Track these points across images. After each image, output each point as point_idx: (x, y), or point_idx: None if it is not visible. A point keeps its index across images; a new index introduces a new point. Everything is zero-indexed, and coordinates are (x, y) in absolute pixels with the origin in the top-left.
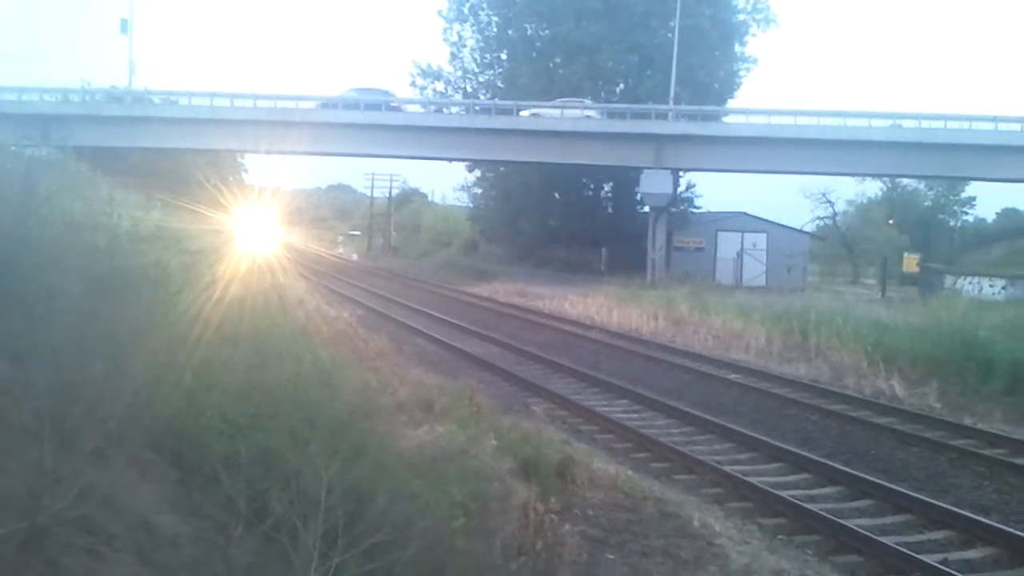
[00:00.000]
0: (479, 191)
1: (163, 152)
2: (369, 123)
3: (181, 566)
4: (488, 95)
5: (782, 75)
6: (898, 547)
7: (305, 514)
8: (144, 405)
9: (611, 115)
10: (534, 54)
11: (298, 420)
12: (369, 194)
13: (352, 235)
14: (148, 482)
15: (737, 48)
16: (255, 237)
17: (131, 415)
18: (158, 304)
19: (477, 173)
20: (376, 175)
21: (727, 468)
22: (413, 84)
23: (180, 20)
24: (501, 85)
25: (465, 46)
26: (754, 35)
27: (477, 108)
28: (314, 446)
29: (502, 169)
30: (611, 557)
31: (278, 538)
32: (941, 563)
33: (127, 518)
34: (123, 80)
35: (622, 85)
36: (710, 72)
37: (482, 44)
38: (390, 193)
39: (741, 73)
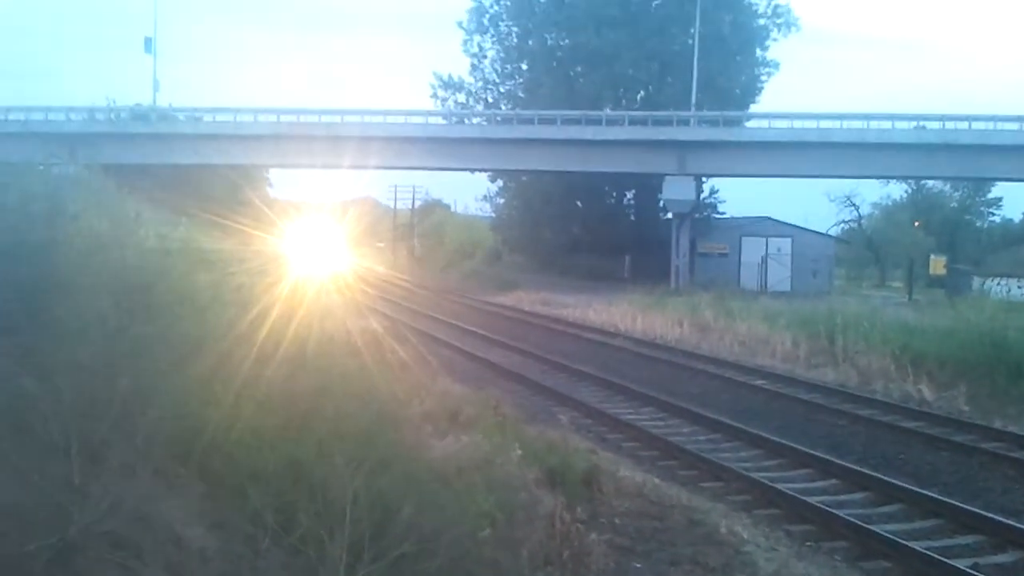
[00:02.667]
0: (501, 201)
1: (188, 168)
2: (392, 136)
3: None
4: (509, 105)
5: (804, 79)
6: (928, 552)
7: (331, 526)
8: (171, 419)
9: (632, 122)
10: (554, 63)
11: (325, 432)
12: (392, 206)
13: (377, 247)
14: (176, 496)
15: (758, 53)
16: (283, 251)
17: (158, 429)
18: (185, 319)
19: (499, 183)
20: (399, 187)
21: (754, 475)
22: (434, 96)
23: (203, 37)
24: (522, 95)
25: (485, 57)
26: (775, 40)
27: (499, 119)
28: (340, 458)
29: (524, 179)
30: (638, 566)
31: (305, 550)
32: (971, 568)
33: (156, 532)
34: (148, 98)
35: (643, 92)
36: (731, 77)
37: (502, 55)
38: (413, 204)
39: (763, 78)
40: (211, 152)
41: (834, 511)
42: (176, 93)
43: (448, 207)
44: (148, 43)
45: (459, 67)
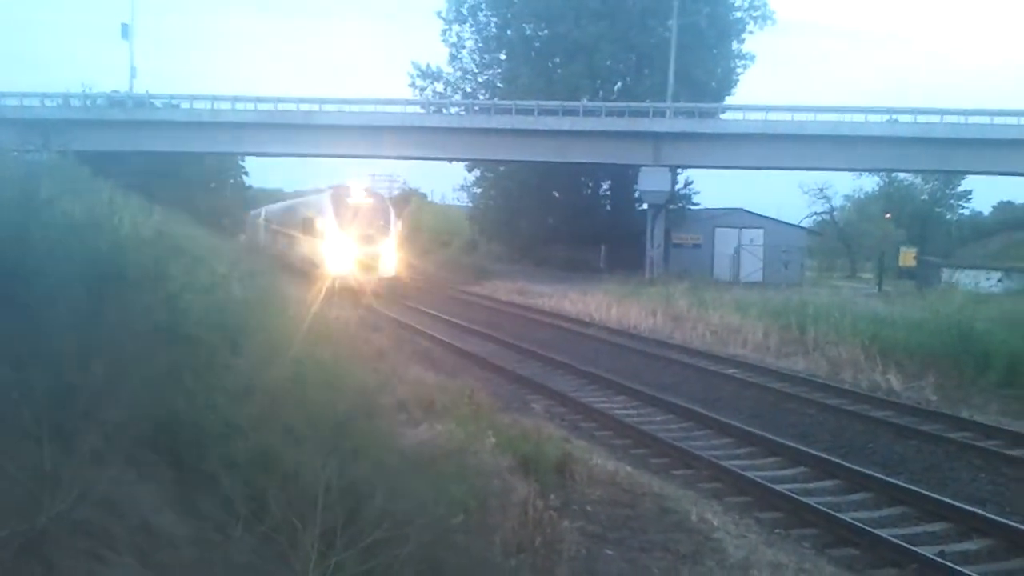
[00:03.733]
0: (478, 191)
1: (164, 156)
2: (370, 124)
3: (181, 567)
4: (487, 95)
5: (780, 72)
6: (894, 540)
7: (304, 513)
8: (143, 406)
9: (610, 113)
10: (533, 54)
11: (298, 420)
12: None
13: None
14: (147, 483)
15: (734, 45)
16: (259, 238)
17: (130, 417)
18: (158, 306)
19: (477, 173)
20: (376, 176)
21: (724, 463)
22: (412, 85)
23: (180, 24)
24: (500, 85)
25: (464, 47)
26: (751, 32)
27: (476, 108)
28: (313, 445)
29: (502, 169)
30: (610, 553)
31: (277, 537)
32: (937, 555)
33: (127, 520)
34: (124, 85)
35: (620, 84)
36: (708, 70)
37: (481, 45)
38: (390, 193)
39: (738, 70)
40: (188, 140)
41: (803, 499)
42: (153, 80)
43: (425, 196)
44: (125, 29)
45: (438, 57)
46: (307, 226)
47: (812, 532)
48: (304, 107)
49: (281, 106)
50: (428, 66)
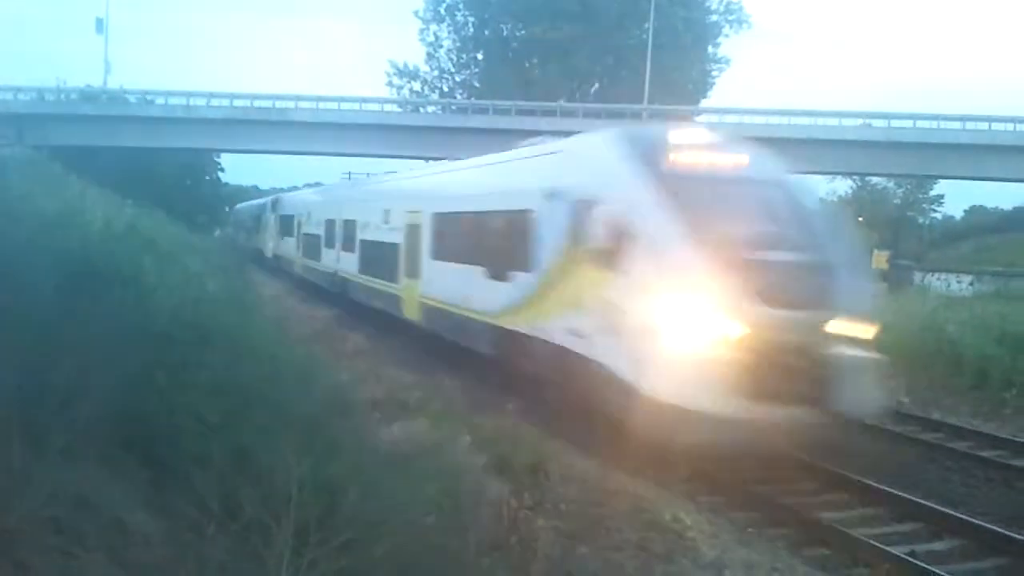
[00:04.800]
0: None
1: (138, 151)
2: (346, 122)
3: (153, 565)
4: (464, 95)
5: (755, 75)
6: (866, 539)
7: (277, 511)
8: (116, 404)
9: (587, 115)
10: (510, 54)
11: (272, 418)
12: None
13: None
14: (120, 481)
15: (710, 49)
16: (233, 233)
17: (102, 414)
18: (131, 303)
19: None
20: (353, 174)
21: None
22: (390, 84)
23: (156, 20)
24: (478, 85)
25: (441, 46)
26: (727, 36)
27: (454, 108)
28: (287, 444)
29: None
30: (584, 551)
31: (250, 536)
32: (908, 555)
33: (99, 518)
34: (99, 80)
35: (597, 85)
36: (683, 72)
37: (458, 44)
38: None
39: (714, 73)
40: (162, 135)
41: (779, 500)
42: (128, 75)
43: None
44: (100, 24)
45: (415, 56)
46: (513, 236)
47: (785, 532)
48: (280, 104)
49: (257, 103)
50: (405, 65)
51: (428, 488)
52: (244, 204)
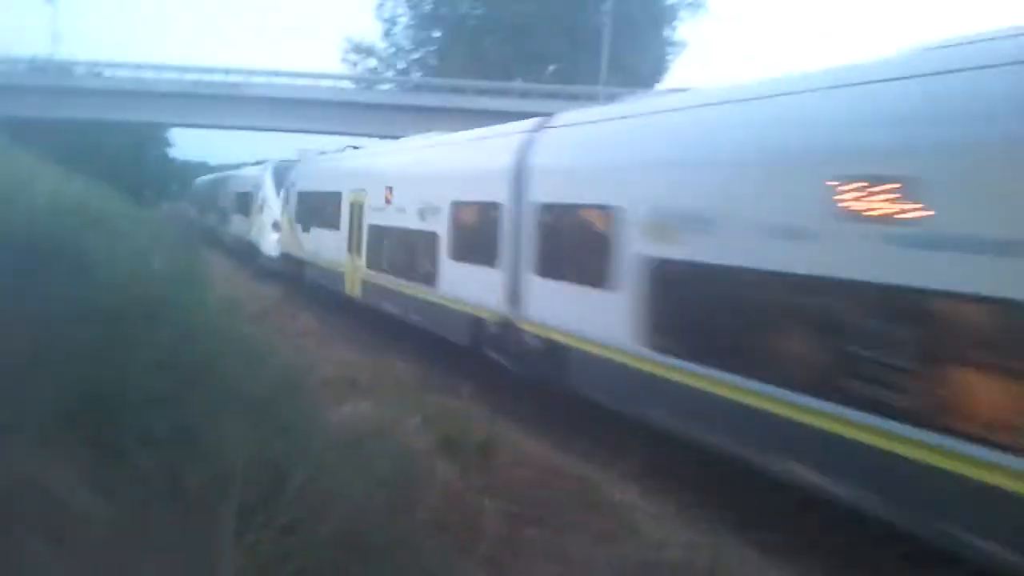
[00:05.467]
0: None
1: (87, 124)
2: (300, 98)
3: (95, 545)
4: (421, 73)
5: (712, 59)
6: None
7: (223, 491)
8: (57, 381)
9: (544, 95)
10: (467, 33)
11: (219, 397)
12: None
13: None
14: (61, 459)
15: (666, 32)
16: (183, 212)
17: (43, 392)
18: (75, 280)
19: None
20: (302, 151)
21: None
22: (345, 59)
23: None
24: (434, 63)
25: (398, 23)
26: (683, 20)
27: (410, 86)
28: (234, 423)
29: None
30: (531, 532)
31: (195, 515)
32: None
33: (39, 497)
34: (47, 50)
35: (554, 67)
36: (640, 55)
37: (415, 21)
38: None
39: (670, 57)
40: (111, 108)
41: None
42: (77, 46)
43: None
44: None
45: (372, 32)
46: None
47: (730, 515)
48: (231, 78)
49: (207, 76)
50: (361, 41)
51: (376, 468)
52: (213, 177)
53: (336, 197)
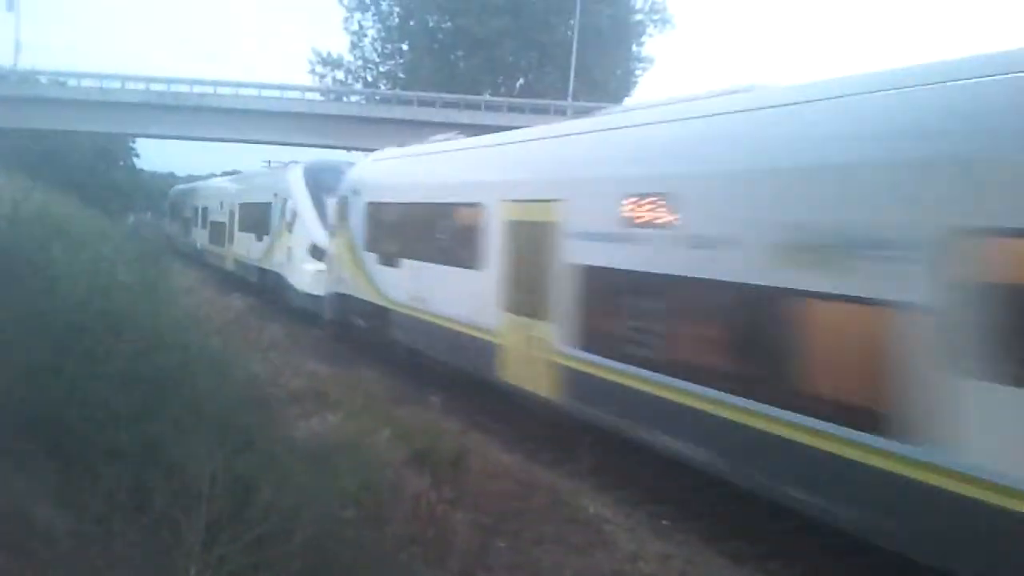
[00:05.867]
0: None
1: (50, 134)
2: (267, 110)
3: (58, 559)
4: (389, 85)
5: (678, 75)
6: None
7: (188, 506)
8: (21, 394)
9: (511, 109)
10: (435, 46)
11: (185, 410)
12: None
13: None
14: (24, 473)
15: (634, 48)
16: (147, 223)
17: (6, 405)
18: (39, 291)
19: None
20: (273, 162)
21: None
22: (312, 72)
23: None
24: (402, 76)
25: (366, 35)
26: (651, 35)
27: (378, 98)
28: (200, 437)
29: None
30: (502, 545)
31: (160, 531)
32: None
33: (2, 511)
34: (9, 59)
35: (522, 80)
36: (607, 70)
37: (383, 34)
38: None
39: (638, 72)
40: (75, 118)
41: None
42: (40, 56)
43: None
44: (10, 2)
45: (339, 44)
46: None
47: (699, 525)
48: (198, 89)
49: (173, 87)
50: (329, 53)
51: (346, 482)
52: (198, 185)
53: (467, 212)
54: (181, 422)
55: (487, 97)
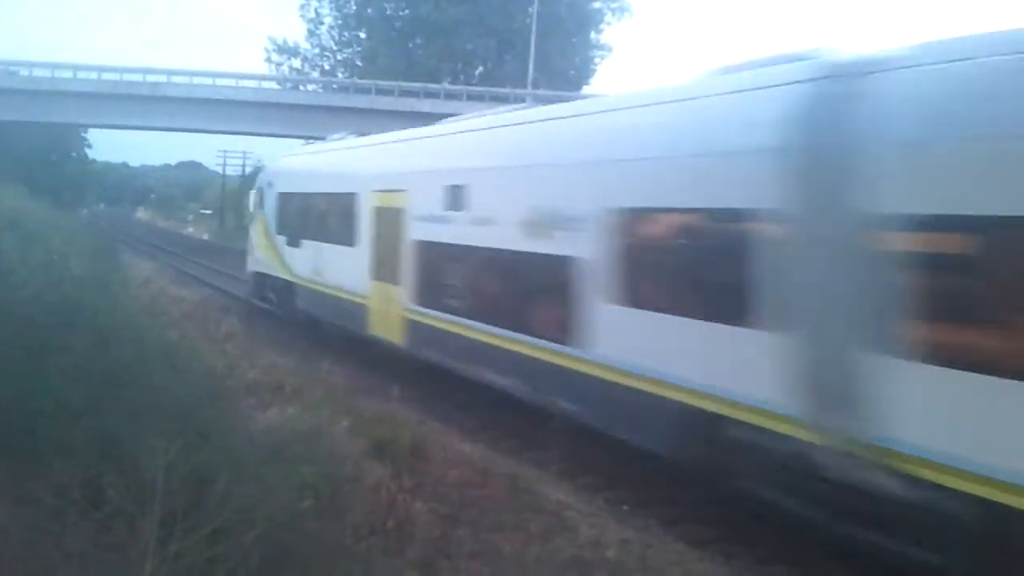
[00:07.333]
0: None
1: (1, 125)
2: (222, 99)
3: (10, 555)
4: (346, 74)
5: (637, 63)
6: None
7: (143, 500)
8: None
9: (471, 97)
10: (393, 34)
11: (139, 403)
12: (221, 171)
13: (203, 214)
14: None
15: (593, 36)
16: (101, 213)
17: None
18: None
19: None
20: (229, 152)
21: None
22: (268, 60)
23: None
24: (360, 64)
25: (323, 23)
26: (609, 24)
27: (335, 86)
28: (154, 430)
29: None
30: (462, 533)
31: (114, 525)
32: None
33: None
34: None
35: (481, 68)
36: (567, 58)
37: (340, 22)
38: (244, 171)
39: (596, 60)
40: (26, 108)
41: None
42: None
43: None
44: None
45: (296, 32)
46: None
47: (659, 510)
48: (151, 78)
49: (127, 76)
50: (285, 41)
51: (304, 473)
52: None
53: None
54: (135, 415)
55: (446, 86)
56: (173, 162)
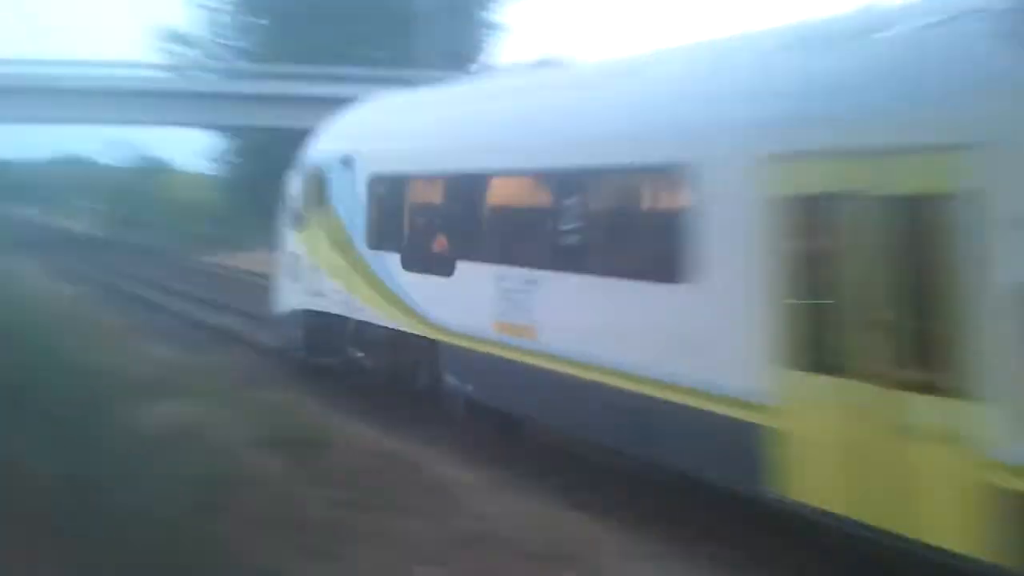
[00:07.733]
0: (239, 161)
1: None
2: (113, 89)
3: None
4: (246, 60)
5: (535, 42)
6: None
7: (24, 509)
8: None
9: (369, 80)
10: (294, 20)
11: (20, 410)
12: (109, 164)
13: (92, 208)
14: None
15: (487, 15)
16: None
17: None
18: None
19: (233, 141)
20: (116, 143)
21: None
22: (162, 49)
23: None
24: (258, 51)
25: (218, 9)
26: (502, 3)
27: (234, 74)
28: (36, 436)
29: (258, 137)
30: (361, 518)
31: (7, 537)
32: None
33: None
34: None
35: (382, 52)
36: (467, 39)
37: (238, 8)
38: (132, 163)
39: (492, 39)
40: None
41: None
42: None
43: (170, 166)
44: None
45: (189, 19)
46: None
47: (559, 482)
48: (41, 69)
49: (12, 69)
50: (177, 29)
51: (194, 469)
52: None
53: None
54: (15, 422)
55: (346, 69)
56: (52, 156)
